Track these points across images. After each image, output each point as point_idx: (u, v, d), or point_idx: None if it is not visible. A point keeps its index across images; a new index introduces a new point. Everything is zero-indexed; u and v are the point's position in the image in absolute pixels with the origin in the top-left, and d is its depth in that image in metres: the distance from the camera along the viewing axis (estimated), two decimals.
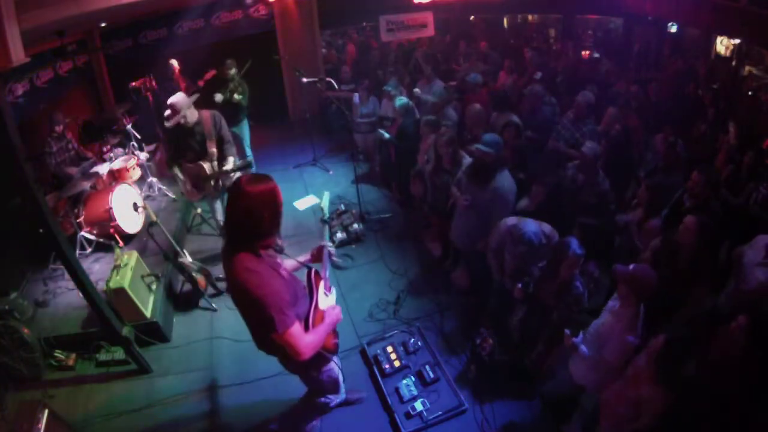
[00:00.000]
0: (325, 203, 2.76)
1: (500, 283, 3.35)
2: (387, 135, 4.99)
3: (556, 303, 2.80)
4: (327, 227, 2.68)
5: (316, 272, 2.26)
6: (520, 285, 2.99)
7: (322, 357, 2.18)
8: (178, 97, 3.75)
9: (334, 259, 2.40)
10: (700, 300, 2.79)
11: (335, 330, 2.28)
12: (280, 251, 2.02)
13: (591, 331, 2.62)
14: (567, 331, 2.53)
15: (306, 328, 2.03)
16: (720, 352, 2.16)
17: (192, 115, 3.80)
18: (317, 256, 2.34)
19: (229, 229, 1.94)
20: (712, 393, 2.05)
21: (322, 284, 2.25)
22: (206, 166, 3.88)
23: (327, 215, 2.70)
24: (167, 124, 3.76)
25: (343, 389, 2.58)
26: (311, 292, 2.19)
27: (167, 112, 3.74)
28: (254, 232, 1.86)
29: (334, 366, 2.38)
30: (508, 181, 3.40)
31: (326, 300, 2.24)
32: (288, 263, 2.21)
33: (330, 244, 2.37)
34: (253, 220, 1.81)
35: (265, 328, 1.86)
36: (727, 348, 2.15)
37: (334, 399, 2.53)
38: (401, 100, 4.97)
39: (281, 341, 1.89)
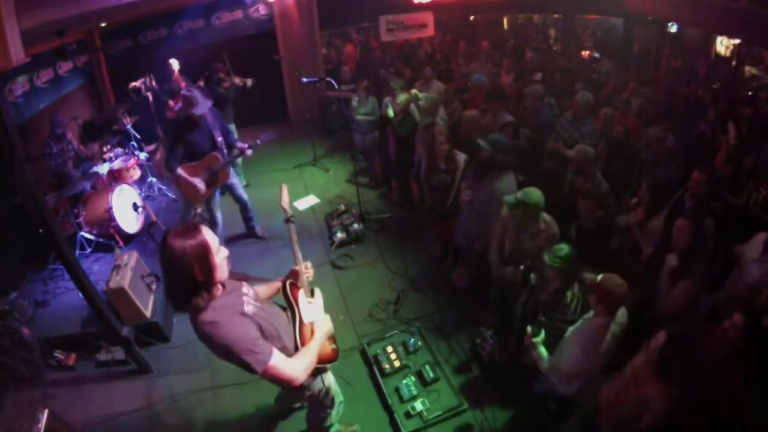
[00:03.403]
0: (286, 200, 2.34)
1: (500, 278, 3.34)
2: (392, 113, 4.88)
3: (544, 307, 2.79)
4: (292, 226, 2.30)
5: (292, 283, 2.17)
6: (522, 267, 2.94)
7: (321, 371, 2.14)
8: (195, 91, 3.94)
9: (308, 271, 2.25)
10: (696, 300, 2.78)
11: (332, 335, 2.21)
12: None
13: (566, 335, 2.60)
14: (529, 329, 2.50)
15: (295, 348, 1.99)
16: (714, 351, 2.15)
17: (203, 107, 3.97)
18: (294, 275, 2.22)
19: (167, 287, 1.79)
20: (709, 392, 2.04)
21: (301, 294, 2.15)
22: (218, 154, 4.07)
23: (290, 213, 2.33)
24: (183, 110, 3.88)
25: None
26: (292, 307, 2.10)
27: (181, 104, 3.93)
28: (190, 289, 1.70)
29: (332, 382, 2.33)
30: (509, 186, 3.38)
31: (311, 309, 2.14)
32: (260, 289, 2.12)
33: (307, 264, 2.25)
34: (184, 276, 1.66)
35: (247, 371, 1.82)
36: (722, 347, 2.14)
37: (332, 413, 2.47)
38: (405, 95, 4.93)
39: (267, 379, 1.84)
